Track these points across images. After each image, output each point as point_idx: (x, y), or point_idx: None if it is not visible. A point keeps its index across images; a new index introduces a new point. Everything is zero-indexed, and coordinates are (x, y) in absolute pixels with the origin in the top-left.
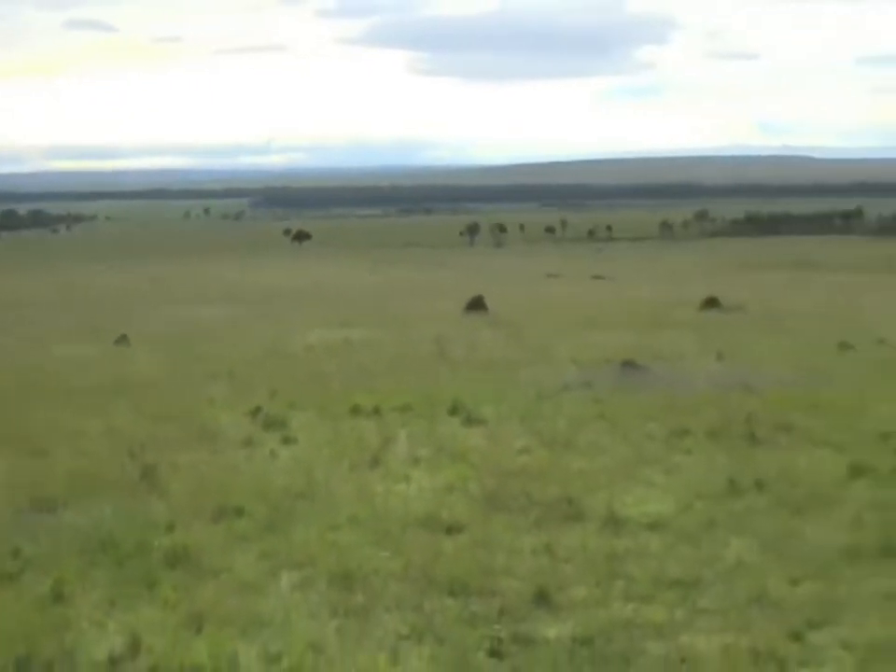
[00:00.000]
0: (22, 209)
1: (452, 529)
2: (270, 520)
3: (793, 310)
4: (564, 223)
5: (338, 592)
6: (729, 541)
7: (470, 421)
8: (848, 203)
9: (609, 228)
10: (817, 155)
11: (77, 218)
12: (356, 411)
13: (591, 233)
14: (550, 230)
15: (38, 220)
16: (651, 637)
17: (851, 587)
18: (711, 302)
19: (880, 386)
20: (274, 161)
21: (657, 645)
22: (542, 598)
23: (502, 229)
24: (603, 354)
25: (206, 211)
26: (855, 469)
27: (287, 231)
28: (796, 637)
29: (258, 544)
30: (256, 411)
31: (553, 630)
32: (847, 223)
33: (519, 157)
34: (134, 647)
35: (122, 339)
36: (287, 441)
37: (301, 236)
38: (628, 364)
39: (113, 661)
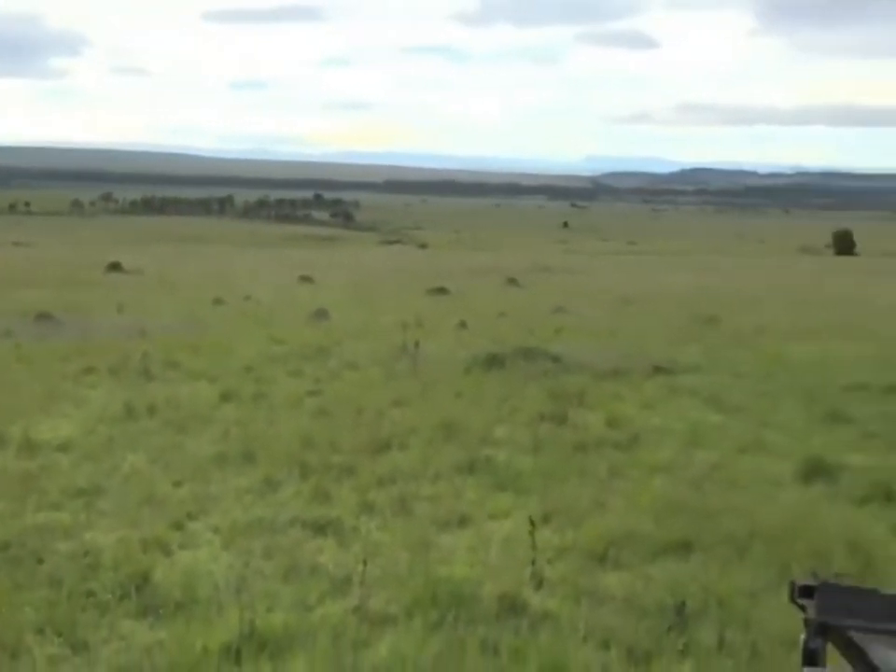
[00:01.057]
0: None
1: None
2: None
3: (181, 274)
4: None
5: None
6: (125, 456)
7: None
8: (223, 192)
9: (27, 204)
10: (201, 153)
11: None
12: None
13: (12, 207)
14: None
15: None
16: (60, 539)
17: (220, 485)
18: (115, 266)
19: (245, 332)
20: None
21: (65, 544)
22: None
23: None
24: (22, 307)
25: None
26: (224, 395)
27: None
28: (178, 526)
29: None
30: None
31: None
32: (221, 207)
33: None
34: None
35: None
36: None
37: None
38: (43, 315)
39: None
